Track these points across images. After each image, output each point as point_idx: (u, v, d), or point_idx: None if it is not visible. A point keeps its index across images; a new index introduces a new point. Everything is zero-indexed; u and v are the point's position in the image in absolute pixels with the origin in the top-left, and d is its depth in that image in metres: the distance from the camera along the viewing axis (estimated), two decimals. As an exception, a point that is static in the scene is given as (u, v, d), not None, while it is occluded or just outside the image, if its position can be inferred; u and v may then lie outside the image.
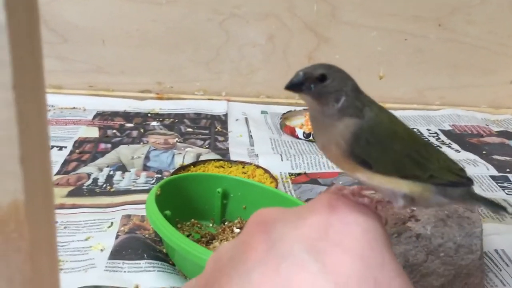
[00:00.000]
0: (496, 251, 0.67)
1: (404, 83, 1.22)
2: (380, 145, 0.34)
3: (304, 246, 0.30)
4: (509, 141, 1.07)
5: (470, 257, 0.56)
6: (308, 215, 0.33)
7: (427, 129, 1.11)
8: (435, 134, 1.08)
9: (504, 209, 0.40)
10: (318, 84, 0.34)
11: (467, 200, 0.39)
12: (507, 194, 0.83)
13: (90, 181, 0.77)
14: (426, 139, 1.05)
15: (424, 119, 1.17)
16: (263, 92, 1.20)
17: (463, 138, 1.07)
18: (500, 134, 1.11)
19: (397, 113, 1.16)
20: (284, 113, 1.09)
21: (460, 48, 1.19)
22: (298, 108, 1.14)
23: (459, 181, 0.37)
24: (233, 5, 1.12)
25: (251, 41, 1.15)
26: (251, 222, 0.35)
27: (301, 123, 1.07)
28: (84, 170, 0.81)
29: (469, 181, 0.38)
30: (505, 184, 0.86)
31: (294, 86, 0.34)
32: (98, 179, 0.78)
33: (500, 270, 0.63)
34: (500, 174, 0.89)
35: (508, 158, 0.98)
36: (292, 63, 1.17)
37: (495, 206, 0.40)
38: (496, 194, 0.82)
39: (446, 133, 1.10)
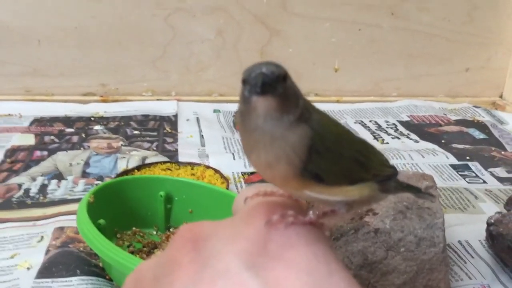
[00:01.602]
0: (459, 242, 0.63)
1: (360, 75, 1.18)
2: (331, 154, 0.30)
3: (243, 262, 0.26)
4: (468, 129, 1.04)
5: (432, 250, 0.51)
6: (244, 228, 0.29)
7: (385, 120, 1.08)
8: (393, 126, 1.05)
9: (426, 193, 0.40)
10: (283, 85, 0.29)
11: (398, 190, 0.37)
12: (468, 182, 0.80)
13: (20, 192, 0.70)
14: (378, 132, 1.02)
15: (382, 111, 1.14)
16: (215, 90, 1.14)
17: (422, 128, 1.04)
18: (458, 122, 1.09)
19: (354, 106, 1.14)
20: (236, 111, 1.04)
21: (414, 36, 1.17)
22: (251, 105, 1.08)
23: (392, 173, 0.35)
24: (178, -1, 1.06)
25: (199, 37, 1.09)
26: (179, 237, 0.30)
27: (255, 120, 1.02)
28: (14, 180, 0.73)
29: (395, 171, 0.35)
30: (466, 173, 0.83)
31: (268, 86, 0.28)
32: (30, 189, 0.71)
33: (465, 263, 0.59)
34: (460, 162, 0.87)
35: (467, 146, 0.95)
36: (244, 58, 1.12)
37: (419, 192, 0.40)
38: (457, 183, 0.79)
39: (404, 124, 1.07)
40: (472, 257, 0.60)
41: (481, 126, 1.06)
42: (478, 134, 1.02)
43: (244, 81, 0.29)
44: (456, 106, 1.18)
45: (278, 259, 0.28)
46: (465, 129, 1.04)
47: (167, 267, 0.29)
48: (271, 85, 0.28)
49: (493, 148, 0.95)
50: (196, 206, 0.61)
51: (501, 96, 1.24)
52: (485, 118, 1.12)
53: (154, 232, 0.62)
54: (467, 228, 0.65)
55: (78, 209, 0.54)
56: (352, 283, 0.28)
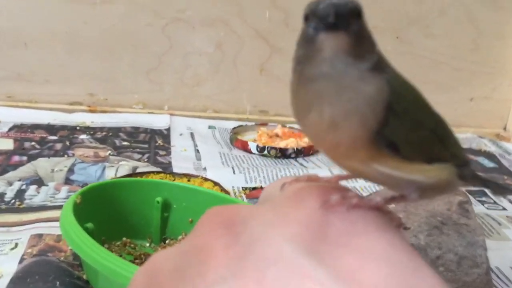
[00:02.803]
0: (491, 269, 0.56)
1: (362, 99, 1.13)
2: (409, 119, 0.24)
3: (299, 247, 0.20)
4: (477, 158, 1.00)
5: (475, 271, 0.45)
6: (292, 211, 0.22)
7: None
8: (399, 151, 0.99)
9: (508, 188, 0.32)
10: (358, 23, 0.23)
11: (476, 181, 0.30)
12: (488, 208, 0.74)
13: (-6, 197, 0.61)
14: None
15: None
16: (210, 106, 1.07)
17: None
18: (466, 151, 1.03)
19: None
20: (235, 127, 0.97)
21: (418, 62, 1.13)
22: (249, 124, 1.02)
23: (468, 158, 0.28)
24: (176, 9, 1.00)
25: (197, 49, 1.03)
26: (207, 221, 0.23)
27: (254, 138, 0.95)
28: (-12, 184, 0.65)
29: (469, 158, 0.29)
30: (484, 199, 0.77)
31: (343, 18, 0.22)
32: (5, 194, 0.63)
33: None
34: (476, 188, 0.81)
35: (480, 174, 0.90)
36: (243, 74, 1.06)
37: (499, 186, 0.34)
38: (477, 208, 0.73)
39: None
40: (507, 285, 0.54)
41: (489, 156, 1.01)
42: (488, 163, 0.97)
43: (308, 16, 0.23)
44: (461, 136, 1.13)
45: (345, 246, 0.21)
46: (474, 158, 0.99)
47: (194, 255, 0.22)
48: (345, 19, 0.22)
49: (505, 177, 0.90)
50: (198, 215, 0.53)
51: (505, 128, 1.20)
52: (491, 148, 1.07)
53: (147, 244, 0.54)
54: (496, 254, 0.59)
55: (63, 209, 0.46)
56: (442, 282, 0.21)
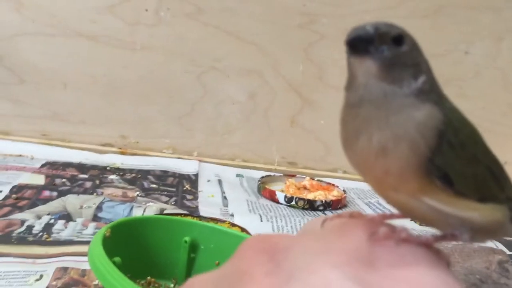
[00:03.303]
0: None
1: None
2: (465, 151, 0.23)
3: (347, 276, 0.20)
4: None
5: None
6: (338, 242, 0.22)
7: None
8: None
9: None
10: (393, 48, 0.23)
11: None
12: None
13: (23, 228, 0.61)
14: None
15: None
16: (240, 155, 1.08)
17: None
18: None
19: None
20: (263, 177, 0.97)
21: (451, 122, 1.12)
22: (277, 174, 1.02)
23: None
24: (213, 58, 1.03)
25: (230, 98, 1.05)
26: (248, 248, 0.24)
27: (282, 189, 0.94)
28: (17, 216, 0.65)
29: None
30: None
31: (360, 42, 0.22)
32: (33, 226, 0.63)
33: None
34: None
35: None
36: (274, 125, 1.07)
37: None
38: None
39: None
40: None
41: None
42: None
43: (346, 41, 0.23)
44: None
45: (394, 279, 0.20)
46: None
47: (235, 280, 0.21)
48: (369, 44, 0.22)
49: (542, 244, 0.86)
50: (225, 257, 0.52)
51: (539, 195, 1.17)
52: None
53: (172, 285, 0.52)
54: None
55: (92, 242, 0.45)
56: None
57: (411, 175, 0.22)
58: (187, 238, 0.52)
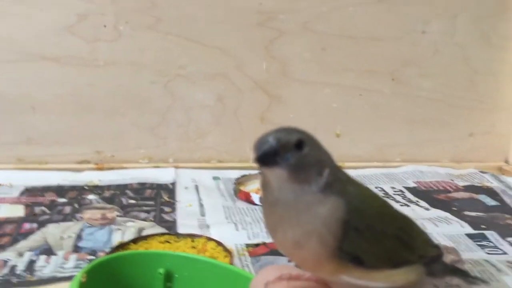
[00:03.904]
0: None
1: (362, 140, 1.16)
2: (372, 232, 0.26)
3: None
4: (478, 196, 1.00)
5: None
6: None
7: (391, 187, 1.04)
8: (401, 192, 1.01)
9: (478, 279, 0.38)
10: (296, 153, 0.25)
11: (445, 274, 0.32)
12: (488, 253, 0.75)
13: (6, 270, 0.64)
14: (394, 202, 0.97)
15: (387, 176, 1.10)
16: (214, 156, 1.10)
17: (430, 195, 1.00)
18: (467, 188, 1.05)
19: (358, 172, 1.10)
20: (238, 178, 1.00)
21: (416, 102, 1.15)
22: (252, 172, 1.05)
23: (437, 253, 0.30)
24: (178, 66, 1.04)
25: (199, 103, 1.07)
26: None
27: (257, 188, 0.97)
28: (0, 256, 0.67)
29: (440, 251, 0.30)
30: (484, 243, 0.78)
31: (268, 157, 0.25)
32: (16, 266, 0.65)
33: None
34: (476, 231, 0.82)
35: (480, 214, 0.91)
36: (245, 125, 1.09)
37: (467, 276, 0.34)
38: (477, 254, 0.74)
39: (412, 190, 1.03)
40: None
41: (491, 192, 1.02)
42: (490, 201, 0.98)
43: (255, 158, 0.26)
44: (463, 172, 1.15)
45: None
46: (475, 196, 1.00)
47: None
48: (275, 156, 0.25)
49: (507, 216, 0.91)
50: (199, 284, 0.56)
51: (506, 161, 1.21)
52: (493, 184, 1.08)
53: (152, 315, 0.56)
54: (495, 306, 0.60)
55: (69, 289, 0.48)
56: None
57: (324, 261, 0.25)
58: (161, 270, 0.55)
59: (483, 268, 0.69)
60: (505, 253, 0.75)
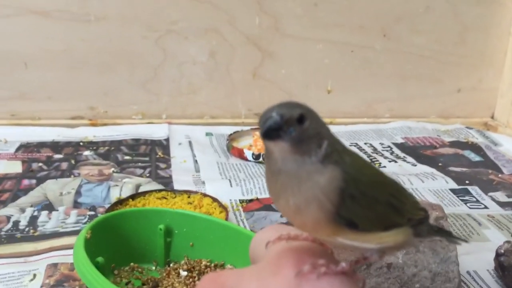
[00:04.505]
0: (468, 273, 0.61)
1: (352, 96, 1.18)
2: (366, 198, 0.28)
3: None
4: (463, 151, 1.04)
5: (448, 286, 0.50)
6: (272, 280, 0.28)
7: (380, 143, 1.07)
8: (389, 148, 1.04)
9: (460, 239, 0.38)
10: (298, 127, 0.27)
11: (430, 234, 0.35)
12: (470, 208, 0.79)
13: (9, 225, 0.66)
14: (381, 157, 1.00)
15: (376, 132, 1.13)
16: (207, 112, 1.12)
17: (417, 151, 1.03)
18: (453, 144, 1.08)
19: (348, 128, 1.12)
20: (231, 134, 1.02)
21: (406, 58, 1.16)
22: (245, 128, 1.07)
23: (424, 216, 0.33)
24: (169, 21, 1.04)
25: (191, 59, 1.07)
26: None
27: (250, 144, 1.00)
28: (2, 212, 0.70)
29: (426, 213, 0.33)
30: (466, 197, 0.82)
31: (272, 132, 0.27)
32: (19, 222, 0.68)
33: (477, 295, 0.58)
34: (460, 186, 0.85)
35: (464, 169, 0.94)
36: (237, 80, 1.10)
37: (450, 236, 0.38)
38: (459, 208, 0.78)
39: (399, 146, 1.06)
40: (483, 289, 0.59)
41: (475, 148, 1.06)
42: (474, 157, 1.01)
43: (260, 133, 0.28)
44: (449, 128, 1.18)
45: None
46: (460, 151, 1.04)
47: None
48: (279, 130, 0.27)
49: (490, 171, 0.94)
50: (197, 239, 0.59)
51: (492, 117, 1.25)
52: (478, 139, 1.11)
53: (153, 268, 0.59)
54: (474, 258, 0.64)
55: (75, 246, 0.50)
56: None
57: (323, 225, 0.28)
58: (161, 226, 0.58)
59: (465, 222, 0.73)
60: (486, 207, 0.79)
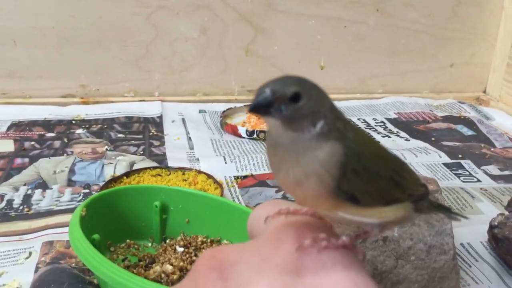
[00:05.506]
0: (462, 245, 0.62)
1: (345, 72, 1.17)
2: (368, 173, 0.28)
3: None
4: (456, 126, 1.04)
5: (443, 258, 0.50)
6: (273, 255, 0.27)
7: (373, 118, 1.07)
8: (382, 123, 1.04)
9: (460, 215, 0.38)
10: (290, 106, 0.27)
11: (430, 210, 0.35)
12: (463, 181, 0.79)
13: (3, 204, 0.66)
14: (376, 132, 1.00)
15: (369, 108, 1.13)
16: (200, 89, 1.11)
17: (410, 126, 1.04)
18: (445, 119, 1.08)
19: (341, 104, 1.12)
20: (224, 111, 1.01)
21: (399, 33, 1.16)
22: (238, 105, 1.06)
23: (425, 192, 0.33)
24: (160, -3, 1.02)
25: (183, 35, 1.06)
26: (202, 265, 0.28)
27: (243, 121, 1.00)
28: (-4, 191, 0.69)
29: (427, 189, 0.33)
30: (459, 171, 0.82)
31: (260, 108, 0.26)
32: (13, 200, 0.67)
33: (470, 267, 0.59)
34: (453, 160, 0.86)
35: (457, 144, 0.95)
36: (229, 57, 1.09)
37: (449, 211, 0.38)
38: (453, 182, 0.78)
39: (393, 121, 1.06)
40: (476, 261, 0.60)
41: (468, 122, 1.06)
42: (466, 131, 1.02)
43: (249, 108, 0.28)
44: (442, 102, 1.18)
45: (317, 286, 0.26)
46: (453, 126, 1.04)
47: None
48: (269, 107, 0.26)
49: (482, 145, 0.95)
50: (193, 215, 0.59)
51: (484, 91, 1.25)
52: (471, 114, 1.12)
53: (149, 244, 0.59)
54: (468, 230, 0.65)
55: (70, 223, 0.50)
56: None
57: (323, 199, 0.27)
58: (157, 203, 0.58)
59: (458, 195, 0.74)
60: (479, 180, 0.80)
